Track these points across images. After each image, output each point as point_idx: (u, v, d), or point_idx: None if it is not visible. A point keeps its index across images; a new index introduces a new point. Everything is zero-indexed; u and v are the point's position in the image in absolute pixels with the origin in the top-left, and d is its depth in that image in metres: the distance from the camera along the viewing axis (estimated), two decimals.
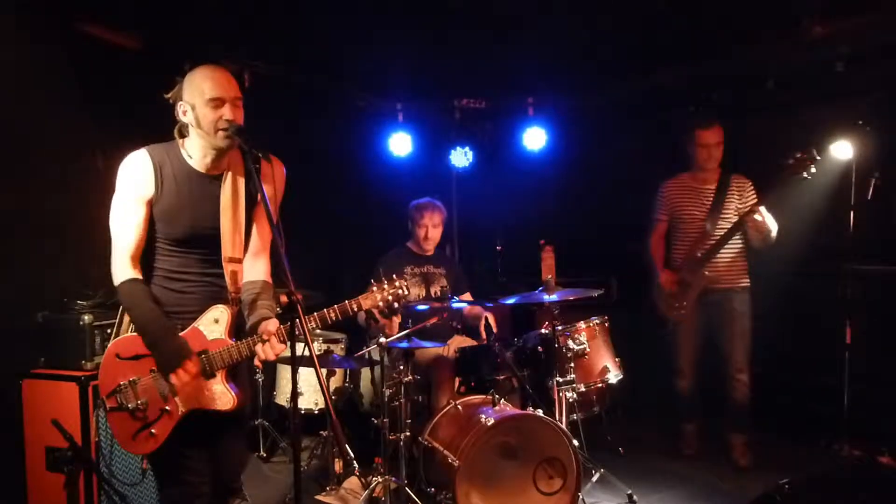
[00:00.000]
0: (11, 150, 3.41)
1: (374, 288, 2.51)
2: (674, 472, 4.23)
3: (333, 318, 2.44)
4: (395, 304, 2.52)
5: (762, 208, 4.01)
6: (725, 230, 4.16)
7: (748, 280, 4.30)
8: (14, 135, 3.41)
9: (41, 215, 3.54)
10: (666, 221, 4.46)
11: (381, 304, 2.50)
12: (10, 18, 3.42)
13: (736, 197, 4.26)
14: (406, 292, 2.53)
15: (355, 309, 2.47)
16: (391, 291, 2.51)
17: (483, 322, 4.25)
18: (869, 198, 4.06)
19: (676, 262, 4.38)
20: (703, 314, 4.31)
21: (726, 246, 4.18)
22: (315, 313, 2.41)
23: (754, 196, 4.23)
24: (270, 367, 4.56)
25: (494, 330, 4.23)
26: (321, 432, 4.26)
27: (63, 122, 3.64)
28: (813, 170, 3.87)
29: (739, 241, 4.26)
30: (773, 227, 4.07)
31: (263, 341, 2.36)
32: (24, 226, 3.46)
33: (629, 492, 3.74)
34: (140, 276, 2.37)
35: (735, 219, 4.17)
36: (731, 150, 4.36)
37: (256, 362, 2.42)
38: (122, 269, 2.35)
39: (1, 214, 3.37)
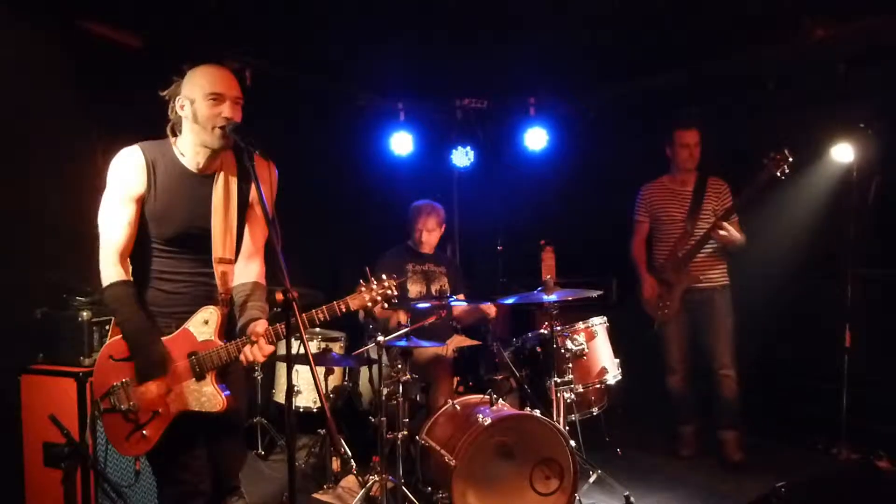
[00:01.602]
0: (13, 147, 3.42)
1: (363, 288, 2.51)
2: (671, 474, 4.23)
3: (321, 319, 2.44)
4: (385, 305, 2.52)
5: (725, 223, 4.12)
6: (704, 230, 4.25)
7: (727, 279, 4.38)
8: (15, 134, 3.41)
9: (41, 212, 3.54)
10: (647, 223, 4.57)
11: (369, 304, 2.50)
12: (10, 16, 3.42)
13: (714, 199, 4.36)
14: (395, 292, 2.53)
15: (343, 310, 2.47)
16: (380, 292, 2.51)
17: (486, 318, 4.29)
18: (870, 201, 4.06)
19: (659, 263, 4.48)
20: (689, 313, 4.40)
21: (707, 246, 4.28)
22: (303, 314, 2.40)
23: (730, 197, 4.33)
24: (269, 365, 4.57)
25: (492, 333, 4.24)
26: (319, 430, 4.26)
27: (63, 120, 3.65)
28: (787, 170, 3.91)
29: (719, 242, 4.32)
30: (738, 238, 4.18)
31: (252, 343, 2.35)
32: (23, 222, 3.46)
33: (626, 493, 3.73)
34: (128, 277, 2.35)
35: (713, 219, 4.25)
36: (730, 151, 4.38)
37: (242, 359, 2.39)
38: (110, 269, 2.32)
39: (0, 211, 3.37)
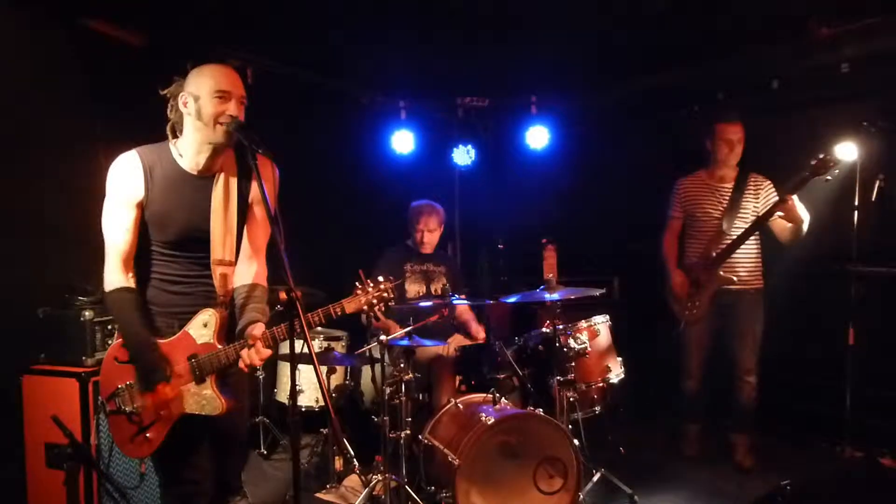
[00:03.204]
0: (15, 144, 3.40)
1: (359, 291, 2.48)
2: (675, 473, 4.22)
3: (317, 322, 2.41)
4: (381, 307, 2.49)
5: (794, 196, 3.86)
6: (742, 230, 4.09)
7: (762, 282, 4.25)
8: (16, 132, 3.40)
9: (43, 211, 3.53)
10: (681, 219, 4.40)
11: (365, 307, 2.46)
12: (13, 13, 3.40)
13: (752, 196, 4.20)
14: (391, 295, 2.50)
15: (339, 312, 2.43)
16: (375, 294, 2.47)
17: (471, 326, 4.29)
18: (873, 199, 4.04)
19: (690, 261, 4.31)
20: (716, 315, 4.25)
21: (743, 246, 4.10)
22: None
23: (774, 194, 4.15)
24: (271, 365, 4.56)
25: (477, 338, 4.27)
26: (321, 430, 4.26)
27: (65, 118, 3.63)
28: (836, 171, 3.78)
29: (756, 243, 4.22)
30: (805, 216, 3.93)
31: (249, 346, 2.33)
32: (25, 221, 3.45)
33: (630, 492, 3.73)
34: (131, 283, 2.35)
35: (752, 219, 4.11)
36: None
37: (241, 366, 2.37)
38: (113, 274, 2.33)
39: (2, 209, 3.36)
